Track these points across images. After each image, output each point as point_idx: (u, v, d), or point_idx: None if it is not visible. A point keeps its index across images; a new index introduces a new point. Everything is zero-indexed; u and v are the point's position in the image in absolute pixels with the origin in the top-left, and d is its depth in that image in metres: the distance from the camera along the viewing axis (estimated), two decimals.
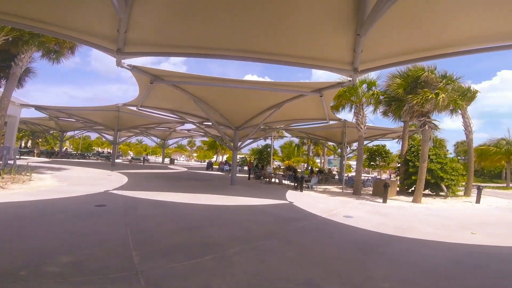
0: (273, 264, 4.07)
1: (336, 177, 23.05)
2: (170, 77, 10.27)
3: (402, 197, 13.04)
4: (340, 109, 16.00)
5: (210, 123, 16.67)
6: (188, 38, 6.15)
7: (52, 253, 3.87)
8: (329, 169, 28.42)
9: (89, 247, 4.20)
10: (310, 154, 39.05)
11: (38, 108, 22.74)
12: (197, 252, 4.35)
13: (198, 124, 18.96)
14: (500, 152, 21.38)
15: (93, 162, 26.92)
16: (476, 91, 15.14)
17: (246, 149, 60.67)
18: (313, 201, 10.65)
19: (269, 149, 32.42)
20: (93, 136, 62.92)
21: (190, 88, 11.64)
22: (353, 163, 38.79)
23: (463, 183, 14.62)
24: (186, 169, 27.77)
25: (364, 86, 14.46)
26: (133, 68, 8.44)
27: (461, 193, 14.22)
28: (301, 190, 13.68)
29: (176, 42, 6.36)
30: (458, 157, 26.73)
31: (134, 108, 16.09)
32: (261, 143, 38.57)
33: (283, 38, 5.94)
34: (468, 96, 14.45)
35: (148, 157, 50.40)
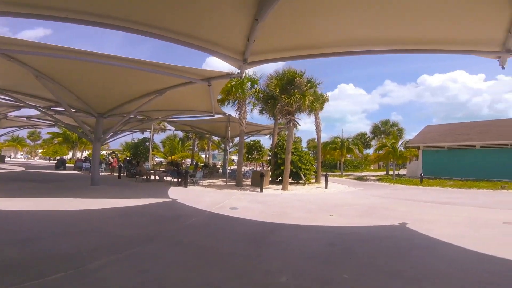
0: (161, 272, 3.36)
1: (220, 170, 23.65)
2: None
3: (274, 186, 14.80)
4: (225, 103, 16.24)
5: (63, 109, 12.81)
6: None
7: None
8: (214, 163, 28.78)
9: None
10: (196, 149, 38.11)
11: None
12: (40, 269, 3.15)
13: (44, 110, 14.19)
14: (337, 147, 28.61)
15: None
16: (327, 98, 19.52)
17: (118, 144, 52.05)
18: (199, 196, 10.22)
19: (147, 143, 28.90)
20: None
21: (32, 61, 8.41)
22: (234, 157, 41.26)
23: (313, 172, 18.45)
24: (23, 169, 20.45)
25: (248, 83, 15.36)
26: None
27: (313, 180, 17.91)
28: (186, 186, 12.91)
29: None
30: (310, 151, 33.67)
31: None
32: (137, 136, 34.06)
33: (175, 11, 5.09)
34: (321, 101, 18.31)
35: None
